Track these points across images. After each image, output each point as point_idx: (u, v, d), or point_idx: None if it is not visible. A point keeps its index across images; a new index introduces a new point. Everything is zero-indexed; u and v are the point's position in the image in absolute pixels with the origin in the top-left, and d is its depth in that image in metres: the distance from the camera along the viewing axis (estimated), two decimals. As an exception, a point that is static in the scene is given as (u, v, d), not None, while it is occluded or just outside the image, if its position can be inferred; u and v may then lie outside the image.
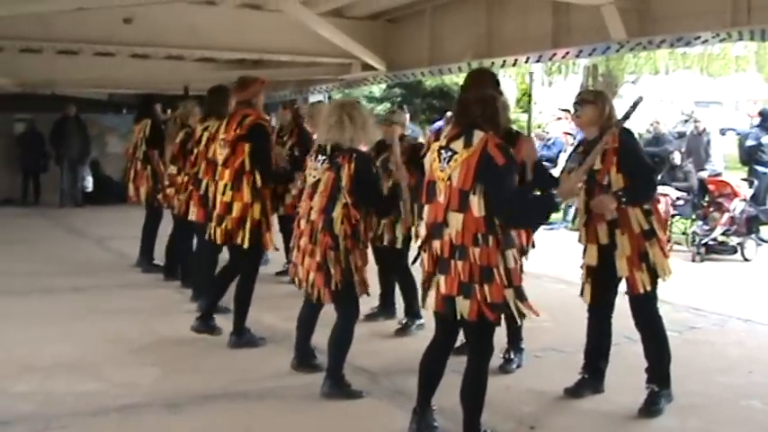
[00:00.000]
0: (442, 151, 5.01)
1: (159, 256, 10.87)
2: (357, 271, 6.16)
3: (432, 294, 5.07)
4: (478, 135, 4.95)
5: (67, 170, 19.94)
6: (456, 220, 4.92)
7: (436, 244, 5.00)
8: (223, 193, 7.42)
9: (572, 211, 16.11)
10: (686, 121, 17.36)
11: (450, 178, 4.94)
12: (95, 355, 7.30)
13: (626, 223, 5.82)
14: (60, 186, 20.10)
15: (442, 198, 4.98)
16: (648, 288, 5.86)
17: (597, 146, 5.58)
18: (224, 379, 6.65)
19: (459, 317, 4.97)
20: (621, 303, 6.13)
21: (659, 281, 5.93)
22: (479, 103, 5.07)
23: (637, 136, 6.19)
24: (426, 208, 5.09)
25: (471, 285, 4.89)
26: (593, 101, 6.11)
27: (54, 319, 8.52)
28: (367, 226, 6.26)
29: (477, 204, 4.85)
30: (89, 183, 20.31)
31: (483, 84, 5.50)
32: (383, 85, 28.55)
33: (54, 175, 20.23)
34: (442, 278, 4.99)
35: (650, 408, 5.94)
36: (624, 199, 5.77)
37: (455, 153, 4.95)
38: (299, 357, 6.73)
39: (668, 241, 6.13)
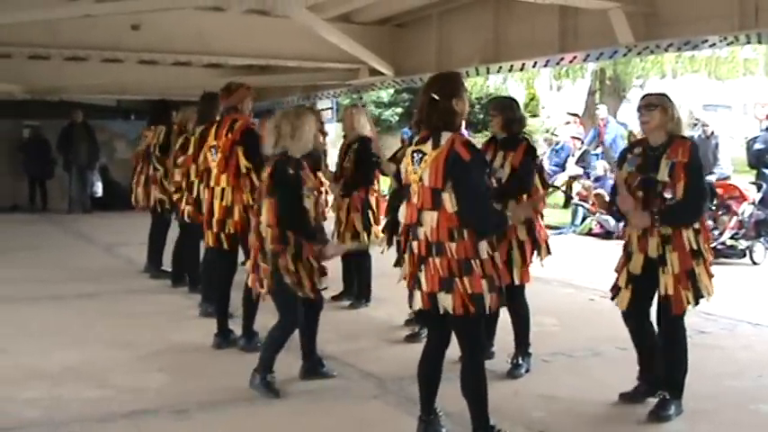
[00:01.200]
0: (414, 154, 5.13)
1: (168, 263, 10.87)
2: (288, 273, 6.27)
3: (417, 294, 5.13)
4: (446, 136, 5.06)
5: (76, 176, 20.01)
6: (430, 217, 5.03)
7: (414, 244, 5.12)
8: (222, 198, 7.46)
9: (580, 215, 16.10)
10: (694, 125, 17.30)
11: (421, 179, 5.06)
12: (103, 361, 7.31)
13: (679, 241, 5.78)
14: (69, 192, 20.15)
15: (415, 199, 5.10)
16: (691, 306, 5.88)
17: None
18: (231, 384, 6.64)
19: (443, 313, 5.06)
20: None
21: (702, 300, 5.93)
22: (438, 110, 5.12)
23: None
24: (402, 210, 5.23)
25: (452, 279, 4.99)
26: (660, 104, 5.97)
27: (62, 326, 8.53)
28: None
29: (449, 201, 4.97)
30: (99, 188, 20.35)
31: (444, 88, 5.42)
32: (391, 90, 28.59)
33: (62, 182, 20.29)
34: (422, 276, 5.08)
35: (659, 413, 5.90)
36: (658, 223, 5.76)
37: (425, 154, 5.07)
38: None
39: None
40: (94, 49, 14.27)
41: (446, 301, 5.00)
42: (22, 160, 20.39)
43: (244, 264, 7.32)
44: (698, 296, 5.86)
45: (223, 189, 7.45)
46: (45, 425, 5.79)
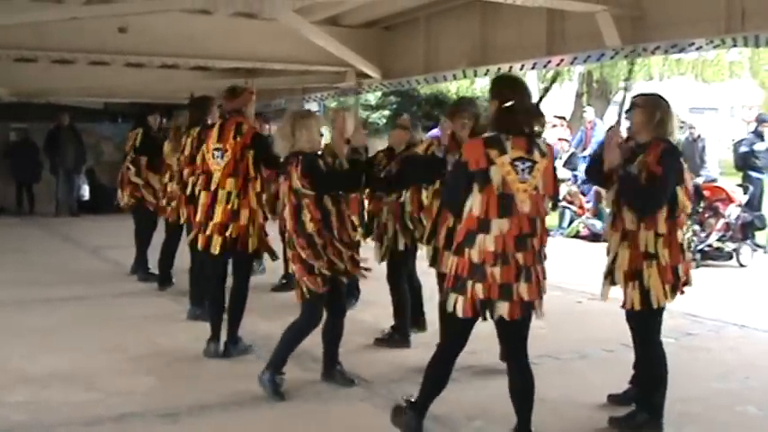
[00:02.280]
0: (518, 163, 4.99)
1: (154, 264, 10.86)
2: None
3: (505, 305, 5.03)
4: (542, 143, 5.15)
5: (63, 179, 19.95)
6: (540, 226, 5.12)
7: (519, 256, 5.03)
8: (227, 201, 7.39)
9: (567, 218, 16.14)
10: (680, 127, 17.35)
11: (536, 188, 5.03)
12: (91, 364, 7.29)
13: (634, 240, 5.73)
14: (56, 195, 20.10)
15: (527, 208, 5.02)
16: (637, 307, 5.73)
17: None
18: (220, 388, 6.64)
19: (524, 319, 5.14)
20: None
21: (656, 306, 5.73)
22: (529, 114, 5.13)
23: (632, 143, 6.02)
24: (503, 222, 4.98)
25: (544, 285, 5.24)
26: (642, 105, 5.95)
27: (49, 329, 8.51)
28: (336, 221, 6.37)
29: (545, 207, 5.15)
30: (86, 191, 20.28)
31: (521, 92, 5.39)
32: (378, 93, 28.55)
33: (49, 185, 20.24)
34: (524, 286, 5.06)
35: (625, 422, 5.87)
36: (624, 174, 5.73)
37: (534, 163, 5.02)
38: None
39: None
40: (81, 51, 14.26)
41: (539, 307, 5.21)
42: (9, 164, 20.32)
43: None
44: (646, 301, 5.70)
45: (229, 192, 7.39)
46: (33, 428, 5.78)
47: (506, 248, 4.96)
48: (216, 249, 7.41)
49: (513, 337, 5.26)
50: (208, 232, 7.43)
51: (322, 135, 6.57)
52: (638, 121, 5.89)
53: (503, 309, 5.01)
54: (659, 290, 5.68)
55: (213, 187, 7.42)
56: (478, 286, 4.97)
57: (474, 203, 4.97)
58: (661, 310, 5.78)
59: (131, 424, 5.89)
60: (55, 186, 20.16)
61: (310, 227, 6.26)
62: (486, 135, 5.05)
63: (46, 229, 17.31)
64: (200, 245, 7.52)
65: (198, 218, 7.54)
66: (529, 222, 5.02)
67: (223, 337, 7.54)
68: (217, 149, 7.43)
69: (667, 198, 5.65)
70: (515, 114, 5.06)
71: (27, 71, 16.71)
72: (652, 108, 5.87)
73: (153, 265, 10.99)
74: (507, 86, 5.27)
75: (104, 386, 6.68)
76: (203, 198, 7.48)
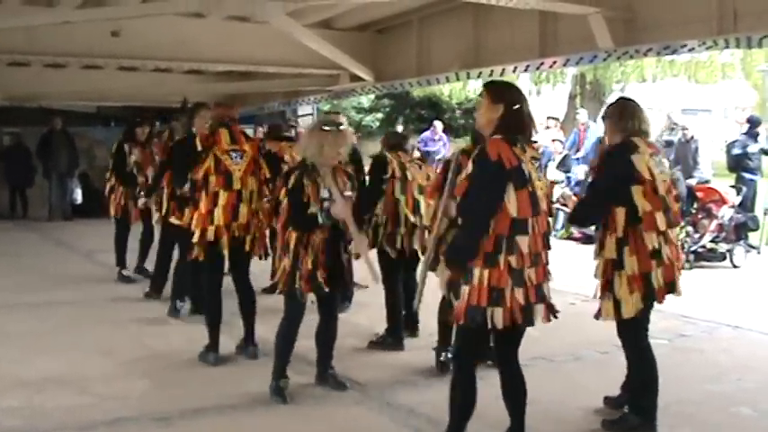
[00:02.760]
0: (533, 161, 4.99)
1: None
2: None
3: (541, 307, 5.00)
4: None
5: (56, 183, 19.93)
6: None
7: (543, 254, 5.02)
8: (256, 201, 7.51)
9: (560, 220, 16.14)
10: (672, 129, 17.37)
11: (543, 187, 5.05)
12: (84, 368, 7.28)
13: (603, 249, 5.74)
14: (49, 200, 20.07)
15: (544, 206, 5.03)
16: (610, 318, 5.73)
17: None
18: (213, 391, 6.63)
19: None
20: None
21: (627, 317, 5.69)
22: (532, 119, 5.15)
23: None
24: (535, 220, 4.91)
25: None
26: (607, 116, 6.03)
27: (42, 333, 8.49)
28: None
29: None
30: (78, 195, 20.24)
31: (524, 97, 5.39)
32: (372, 96, 28.60)
33: (42, 189, 20.21)
34: (546, 287, 5.07)
35: (617, 425, 5.87)
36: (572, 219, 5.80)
37: (540, 163, 5.08)
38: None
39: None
40: (74, 55, 14.28)
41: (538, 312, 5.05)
42: (2, 168, 20.28)
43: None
44: (618, 312, 5.68)
45: (251, 192, 7.49)
46: (26, 433, 5.78)
47: (537, 248, 4.92)
48: (246, 247, 7.49)
49: (515, 341, 5.22)
50: (236, 234, 7.41)
51: (339, 153, 6.38)
52: (607, 129, 6.01)
53: (539, 312, 4.98)
54: (628, 301, 5.62)
55: (236, 187, 7.42)
56: (519, 292, 4.85)
57: (509, 204, 4.80)
58: (644, 316, 5.75)
59: (125, 428, 5.88)
60: (48, 190, 20.14)
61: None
62: (501, 135, 4.93)
63: (39, 233, 17.29)
64: (221, 247, 7.41)
65: (221, 220, 7.36)
66: (546, 221, 5.04)
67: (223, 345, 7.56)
68: (233, 150, 7.44)
69: (605, 200, 5.65)
70: (524, 117, 5.03)
71: (19, 75, 16.72)
72: (612, 113, 5.98)
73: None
74: (514, 91, 5.18)
75: (98, 390, 6.66)
76: (224, 199, 7.38)
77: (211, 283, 7.63)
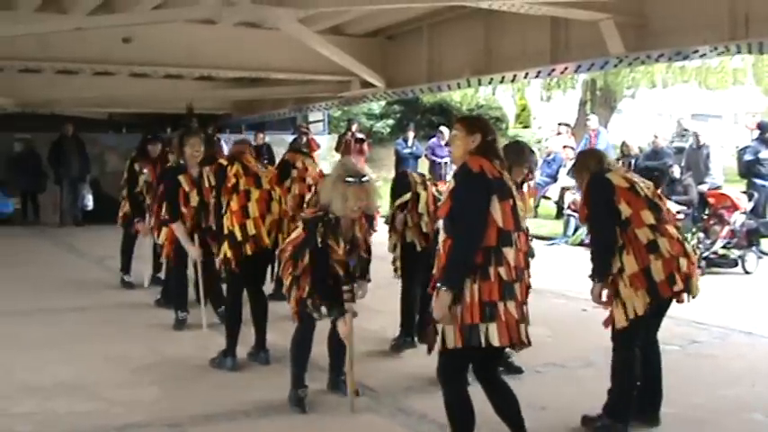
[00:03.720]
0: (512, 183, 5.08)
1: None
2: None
3: (523, 327, 4.95)
4: None
5: (67, 189, 19.96)
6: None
7: (525, 273, 5.02)
8: (279, 202, 7.72)
9: (572, 226, 16.12)
10: (682, 135, 17.36)
11: (522, 207, 5.10)
12: (95, 374, 7.28)
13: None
14: (60, 205, 20.11)
15: (524, 224, 5.08)
16: (623, 324, 5.74)
17: None
18: (225, 397, 6.63)
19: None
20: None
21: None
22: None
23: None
24: (518, 235, 4.94)
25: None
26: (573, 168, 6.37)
27: (54, 339, 8.50)
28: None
29: None
30: (90, 201, 20.25)
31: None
32: (382, 102, 28.59)
33: (53, 195, 20.24)
34: (525, 308, 5.03)
35: (590, 422, 5.93)
36: (596, 279, 5.85)
37: (517, 186, 5.18)
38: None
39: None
40: (86, 62, 14.32)
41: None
42: (14, 174, 20.31)
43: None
44: (626, 313, 5.74)
45: (279, 195, 7.79)
46: (38, 439, 5.79)
47: (520, 264, 4.91)
48: (249, 251, 7.45)
49: (497, 360, 5.24)
50: (266, 228, 7.50)
51: (359, 208, 6.21)
52: (575, 178, 6.34)
53: (523, 331, 4.96)
54: (633, 298, 5.68)
55: (266, 186, 7.60)
56: (511, 305, 4.82)
57: (495, 215, 4.79)
58: (637, 319, 5.73)
59: (137, 434, 5.90)
60: (59, 196, 20.17)
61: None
62: (479, 154, 4.96)
63: (50, 239, 17.32)
64: (264, 239, 7.48)
65: (256, 212, 7.45)
66: (526, 239, 5.04)
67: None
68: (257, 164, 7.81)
69: (612, 227, 5.71)
70: (498, 148, 5.09)
71: (31, 82, 16.78)
72: (577, 164, 6.28)
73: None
74: (486, 122, 5.28)
75: (109, 396, 6.67)
76: (257, 194, 7.51)
77: (235, 288, 7.66)
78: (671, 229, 5.78)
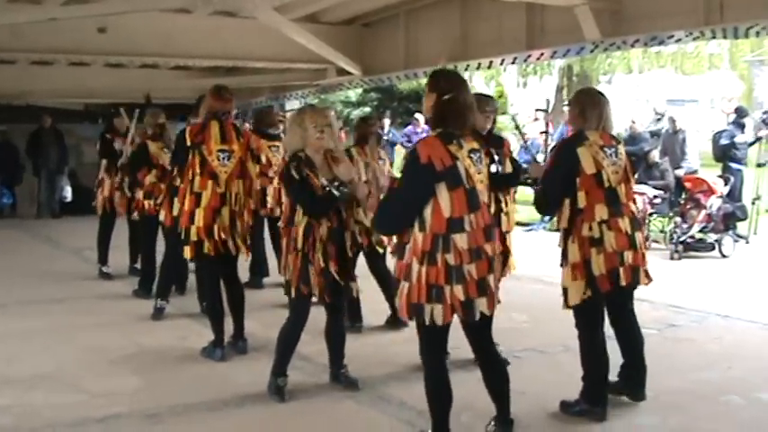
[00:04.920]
0: (472, 154, 4.98)
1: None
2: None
3: (483, 300, 4.98)
4: (477, 134, 5.25)
5: (45, 181, 19.86)
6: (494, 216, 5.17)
7: (488, 247, 4.98)
8: (235, 203, 7.40)
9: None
10: (658, 119, 17.42)
11: (486, 177, 5.07)
12: (74, 366, 7.27)
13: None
14: (37, 197, 20.01)
15: (485, 198, 5.04)
16: (568, 305, 5.89)
17: None
18: (204, 387, 6.63)
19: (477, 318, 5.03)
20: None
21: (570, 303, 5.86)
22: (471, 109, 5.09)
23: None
24: (473, 216, 4.91)
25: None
26: (571, 103, 6.25)
27: (32, 331, 8.46)
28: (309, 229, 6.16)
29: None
30: (68, 193, 20.15)
31: (459, 85, 5.38)
32: (359, 90, 28.58)
33: (30, 186, 20.14)
34: (491, 278, 5.03)
35: (568, 408, 6.00)
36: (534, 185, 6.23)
37: (481, 152, 5.06)
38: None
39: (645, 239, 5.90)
40: (61, 52, 14.23)
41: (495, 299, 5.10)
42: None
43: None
44: (564, 298, 5.90)
45: (237, 194, 7.38)
46: (17, 431, 5.76)
47: (478, 243, 4.91)
48: (228, 251, 7.42)
49: (484, 330, 5.23)
50: (216, 236, 7.31)
51: (321, 132, 6.19)
52: (569, 118, 6.29)
53: (482, 305, 4.97)
54: (571, 287, 5.79)
55: (221, 190, 7.32)
56: (458, 288, 4.87)
57: (442, 205, 4.82)
58: (590, 304, 5.81)
59: (116, 425, 5.87)
60: (37, 188, 20.08)
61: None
62: (437, 131, 4.98)
63: (27, 231, 17.23)
64: (208, 249, 7.32)
65: (202, 221, 7.27)
66: (488, 212, 5.05)
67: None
68: (221, 151, 7.35)
69: (557, 191, 5.81)
70: (456, 107, 5.00)
71: (6, 73, 16.64)
72: (576, 103, 6.11)
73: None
74: (449, 79, 5.18)
75: (88, 387, 6.65)
76: (207, 201, 7.28)
77: (210, 280, 7.62)
78: (621, 222, 5.79)
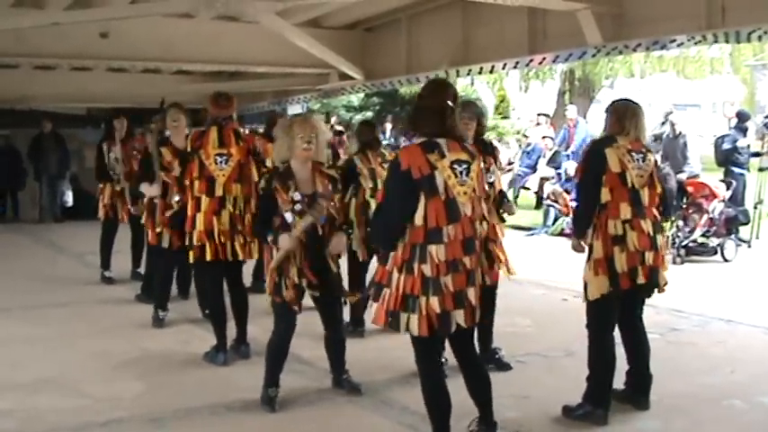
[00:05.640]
0: (455, 165, 4.91)
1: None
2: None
3: (460, 313, 4.93)
4: (469, 144, 5.19)
5: (47, 185, 19.87)
6: (481, 228, 5.13)
7: (467, 260, 4.94)
8: (234, 207, 7.41)
9: (551, 216, 16.16)
10: (663, 123, 17.42)
11: (474, 189, 4.98)
12: (77, 370, 7.27)
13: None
14: (39, 202, 20.02)
15: (469, 211, 4.95)
16: (587, 299, 5.96)
17: None
18: (207, 392, 6.63)
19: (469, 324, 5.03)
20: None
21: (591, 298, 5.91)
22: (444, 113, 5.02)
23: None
24: (451, 228, 4.86)
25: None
26: (609, 111, 6.20)
27: (35, 336, 8.47)
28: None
29: (482, 208, 5.14)
30: (69, 197, 20.17)
31: (438, 92, 5.35)
32: (361, 95, 28.57)
33: (33, 191, 20.15)
34: (471, 291, 4.98)
35: (571, 412, 5.99)
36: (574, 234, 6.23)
37: (470, 164, 4.97)
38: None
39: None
40: (63, 57, 14.25)
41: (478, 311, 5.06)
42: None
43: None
44: (585, 292, 5.99)
45: (235, 198, 7.40)
46: (20, 436, 5.78)
47: (456, 255, 4.87)
48: (228, 256, 7.40)
49: (464, 341, 5.24)
50: (217, 240, 7.34)
51: (309, 142, 6.15)
52: (606, 123, 6.18)
53: (459, 317, 4.93)
54: (592, 282, 5.86)
55: (219, 193, 7.35)
56: (434, 300, 4.83)
57: (419, 214, 4.80)
58: (605, 304, 5.85)
59: (119, 429, 5.88)
60: (38, 193, 20.09)
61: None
62: (420, 140, 4.95)
63: (30, 236, 17.23)
64: (210, 255, 7.34)
65: (203, 225, 7.33)
66: (471, 225, 4.96)
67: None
68: (219, 155, 7.38)
69: (591, 194, 5.89)
70: (428, 113, 4.99)
71: (8, 77, 16.66)
72: (616, 111, 6.12)
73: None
74: (430, 86, 5.24)
75: (92, 392, 6.66)
76: (206, 205, 7.34)
77: (212, 284, 7.63)
78: (643, 224, 5.86)
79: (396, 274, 4.89)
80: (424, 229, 4.81)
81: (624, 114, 6.02)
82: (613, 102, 6.32)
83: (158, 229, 8.78)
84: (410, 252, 4.85)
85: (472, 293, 4.98)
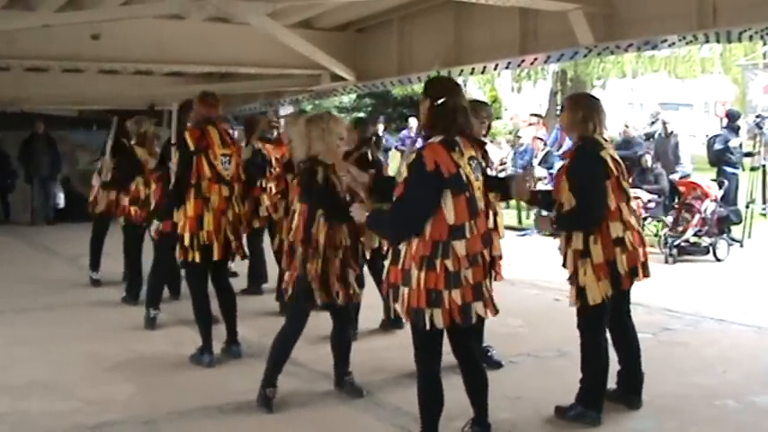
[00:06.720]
0: (471, 162, 5.00)
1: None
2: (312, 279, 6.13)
3: (479, 305, 4.99)
4: (476, 141, 5.22)
5: (38, 188, 19.83)
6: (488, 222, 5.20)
7: (486, 253, 5.04)
8: (241, 206, 7.58)
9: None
10: (653, 122, 17.46)
11: (480, 186, 5.07)
12: (69, 373, 7.26)
13: (569, 242, 5.89)
14: (31, 204, 19.98)
15: (482, 205, 5.07)
16: (576, 304, 5.88)
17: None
18: (199, 394, 6.62)
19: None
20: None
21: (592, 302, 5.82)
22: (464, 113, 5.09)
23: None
24: (473, 223, 4.92)
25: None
26: (565, 106, 6.19)
27: (26, 339, 8.45)
28: (330, 234, 6.13)
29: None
30: (61, 200, 20.13)
31: (452, 91, 5.38)
32: (353, 96, 28.57)
33: (24, 193, 20.10)
34: (487, 282, 5.09)
35: (564, 413, 5.99)
36: (555, 226, 5.98)
37: (479, 160, 5.08)
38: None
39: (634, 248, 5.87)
40: (54, 59, 14.18)
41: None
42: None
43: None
44: (582, 297, 5.82)
45: (236, 198, 7.53)
46: (11, 439, 5.76)
47: (476, 249, 4.94)
48: (217, 255, 7.41)
49: (469, 336, 5.29)
50: (223, 239, 7.40)
51: (342, 139, 6.27)
52: (565, 121, 6.10)
53: (479, 309, 4.98)
54: (593, 287, 5.76)
55: (227, 193, 7.44)
56: (456, 293, 4.88)
57: (446, 212, 4.83)
58: (600, 306, 5.82)
59: (111, 432, 5.88)
60: (30, 195, 20.04)
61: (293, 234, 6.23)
62: (439, 138, 4.95)
63: (21, 238, 17.20)
64: (216, 255, 7.38)
65: (212, 225, 7.34)
66: (486, 218, 5.08)
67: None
68: (224, 155, 7.45)
69: (602, 198, 5.75)
70: (449, 112, 5.02)
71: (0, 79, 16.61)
72: (575, 107, 6.03)
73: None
74: (442, 84, 5.29)
75: (83, 395, 6.64)
76: (216, 203, 7.36)
77: (199, 286, 7.60)
78: (633, 221, 5.92)
79: (415, 272, 4.90)
80: (449, 226, 4.85)
81: (588, 110, 5.96)
82: (570, 98, 6.32)
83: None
84: (432, 248, 4.86)
85: (487, 287, 5.10)
